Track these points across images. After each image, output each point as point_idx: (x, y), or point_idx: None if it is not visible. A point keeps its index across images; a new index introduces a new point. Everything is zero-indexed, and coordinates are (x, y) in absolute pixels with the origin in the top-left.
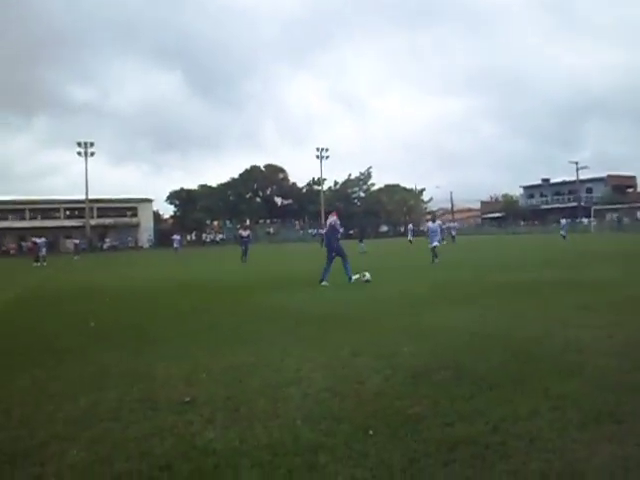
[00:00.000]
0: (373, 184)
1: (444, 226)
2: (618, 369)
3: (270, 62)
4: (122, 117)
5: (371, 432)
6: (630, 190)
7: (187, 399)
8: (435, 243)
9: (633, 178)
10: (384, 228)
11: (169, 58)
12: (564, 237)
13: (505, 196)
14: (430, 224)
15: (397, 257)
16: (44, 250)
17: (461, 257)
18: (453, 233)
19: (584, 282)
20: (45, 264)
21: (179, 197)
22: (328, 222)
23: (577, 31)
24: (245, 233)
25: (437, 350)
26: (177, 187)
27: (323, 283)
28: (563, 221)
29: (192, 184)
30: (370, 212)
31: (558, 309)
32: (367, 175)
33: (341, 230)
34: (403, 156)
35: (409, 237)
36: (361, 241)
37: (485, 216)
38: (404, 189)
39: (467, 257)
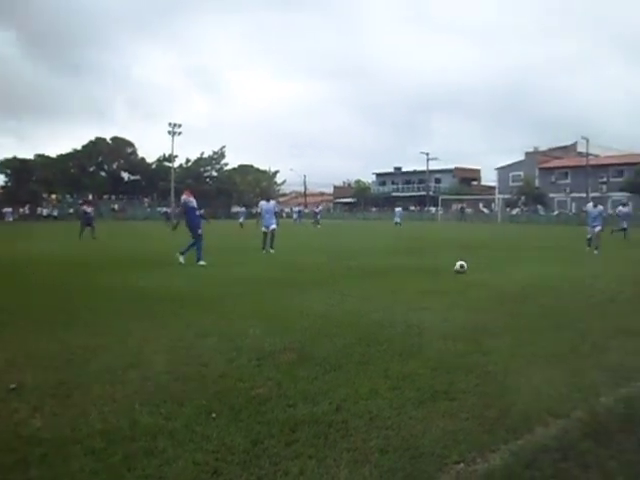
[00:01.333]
0: (226, 164)
1: (316, 209)
2: (453, 351)
3: (119, 30)
4: None
5: (214, 415)
6: (475, 183)
7: (12, 386)
8: (272, 226)
9: (478, 171)
10: (236, 209)
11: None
12: (398, 224)
13: (358, 182)
14: (263, 203)
15: (245, 239)
16: None
17: (314, 241)
18: (318, 217)
19: (427, 268)
20: None
21: (11, 166)
22: (181, 201)
23: (431, 27)
24: (89, 209)
25: (284, 332)
26: (9, 155)
27: (200, 263)
28: (398, 209)
29: (27, 153)
30: (222, 192)
31: (403, 293)
32: (220, 154)
33: (195, 207)
34: (258, 137)
35: (240, 220)
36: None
37: (337, 201)
38: (258, 170)
39: (319, 241)
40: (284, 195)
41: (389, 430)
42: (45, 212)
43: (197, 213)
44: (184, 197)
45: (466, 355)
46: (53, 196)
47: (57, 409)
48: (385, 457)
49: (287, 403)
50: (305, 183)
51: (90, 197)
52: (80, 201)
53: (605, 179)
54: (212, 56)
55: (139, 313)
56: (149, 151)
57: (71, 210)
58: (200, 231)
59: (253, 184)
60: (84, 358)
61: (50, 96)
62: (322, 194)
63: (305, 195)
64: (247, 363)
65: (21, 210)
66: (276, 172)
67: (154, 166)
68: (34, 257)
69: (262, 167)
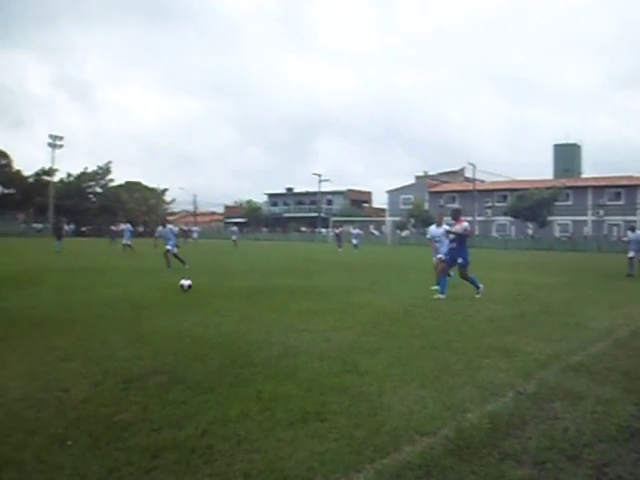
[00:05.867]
0: (112, 180)
1: (187, 228)
2: (328, 371)
3: None
4: None
5: (70, 442)
6: (366, 205)
7: None
8: (173, 247)
9: (369, 194)
10: (121, 226)
11: None
12: (356, 247)
13: (249, 202)
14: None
15: (120, 259)
16: None
17: (200, 261)
18: (195, 236)
19: (312, 289)
20: None
21: None
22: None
23: (310, 50)
24: None
25: (155, 354)
26: None
27: None
28: (356, 231)
29: None
30: (106, 209)
31: (284, 314)
32: (106, 170)
33: None
34: (145, 153)
35: (125, 240)
36: (59, 239)
37: (228, 221)
38: (146, 187)
39: (207, 261)
40: (173, 214)
41: (255, 453)
42: None
43: None
44: None
45: (341, 375)
46: None
47: None
48: None
49: (151, 428)
50: (195, 202)
51: None
52: None
53: (490, 204)
54: (85, 66)
55: None
56: (27, 164)
57: None
58: None
59: (140, 202)
60: None
61: None
62: (213, 213)
63: (195, 214)
64: (113, 387)
65: None
66: (165, 190)
67: (31, 180)
68: None
69: (151, 184)
